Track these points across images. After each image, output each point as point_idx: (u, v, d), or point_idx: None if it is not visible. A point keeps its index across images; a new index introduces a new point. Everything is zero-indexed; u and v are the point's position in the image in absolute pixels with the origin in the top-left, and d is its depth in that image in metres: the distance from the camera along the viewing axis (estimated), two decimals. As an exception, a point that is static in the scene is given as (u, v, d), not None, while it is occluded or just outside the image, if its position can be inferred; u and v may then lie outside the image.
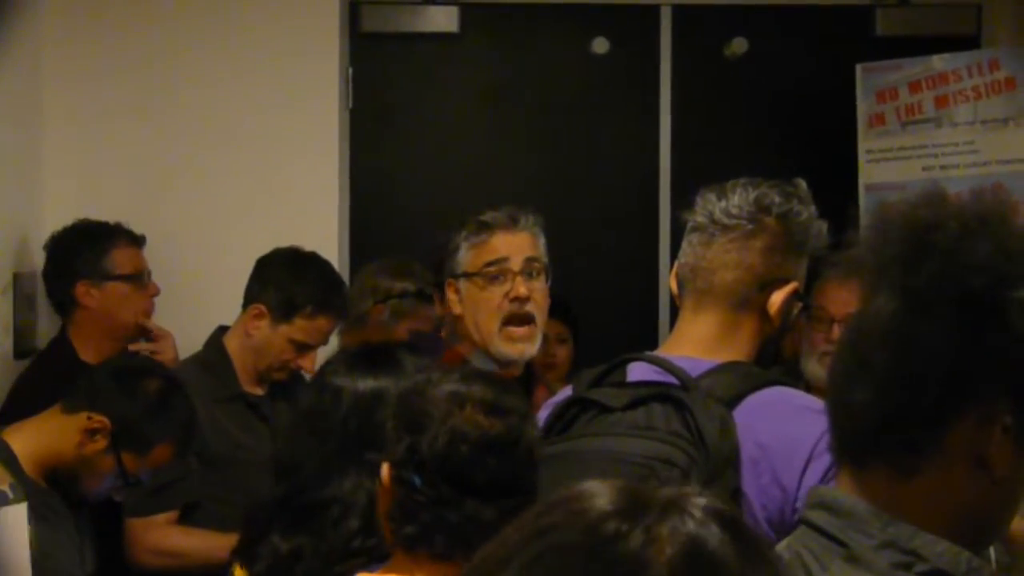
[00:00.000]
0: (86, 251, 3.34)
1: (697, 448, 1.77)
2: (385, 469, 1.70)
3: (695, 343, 1.98)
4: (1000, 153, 3.65)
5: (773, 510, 1.80)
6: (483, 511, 1.64)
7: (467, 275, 2.69)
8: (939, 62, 3.74)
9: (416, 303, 3.56)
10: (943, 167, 3.68)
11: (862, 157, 3.82)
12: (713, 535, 0.81)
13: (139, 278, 3.38)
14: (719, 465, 1.76)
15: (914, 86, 3.77)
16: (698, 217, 2.01)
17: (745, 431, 1.80)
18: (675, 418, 1.81)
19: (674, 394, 1.84)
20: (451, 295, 2.72)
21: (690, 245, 2.02)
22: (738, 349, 1.98)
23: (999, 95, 3.65)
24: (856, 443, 1.30)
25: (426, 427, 1.66)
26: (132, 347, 3.37)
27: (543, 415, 2.00)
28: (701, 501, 0.83)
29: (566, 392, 2.02)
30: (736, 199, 1.97)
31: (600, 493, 0.82)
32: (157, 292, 3.42)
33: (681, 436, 1.79)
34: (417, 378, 1.76)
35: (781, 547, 1.33)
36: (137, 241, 3.42)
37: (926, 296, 1.25)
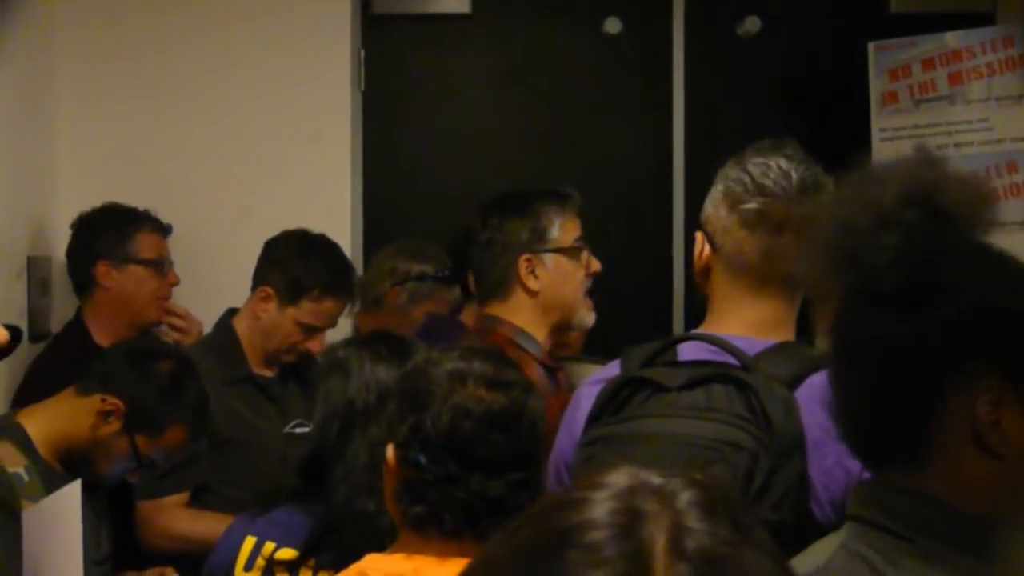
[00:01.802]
0: (111, 232, 3.37)
1: (763, 431, 1.73)
2: (390, 450, 1.69)
3: (750, 325, 1.95)
4: (1014, 130, 3.61)
5: (837, 492, 1.76)
6: (490, 486, 1.64)
7: (561, 249, 2.70)
8: (952, 39, 3.71)
9: (434, 286, 3.55)
10: (957, 145, 3.65)
11: (875, 136, 3.79)
12: None
13: (160, 264, 3.40)
14: (786, 448, 1.73)
15: (927, 63, 3.74)
16: (754, 203, 1.94)
17: (808, 413, 1.76)
18: (737, 399, 1.77)
19: (735, 374, 1.79)
20: (527, 272, 2.69)
21: (752, 231, 1.95)
22: (788, 330, 1.97)
23: (1013, 72, 3.62)
24: (862, 451, 1.32)
25: (429, 405, 1.66)
26: (167, 317, 3.40)
27: (588, 392, 1.98)
28: (695, 542, 0.74)
29: (612, 369, 1.98)
30: (792, 175, 1.94)
31: (599, 543, 0.74)
32: (176, 282, 3.43)
33: (745, 418, 1.75)
34: (417, 358, 1.76)
35: (829, 547, 1.31)
36: (162, 229, 3.44)
37: (874, 294, 1.27)
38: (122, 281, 3.36)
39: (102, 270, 3.36)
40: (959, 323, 1.24)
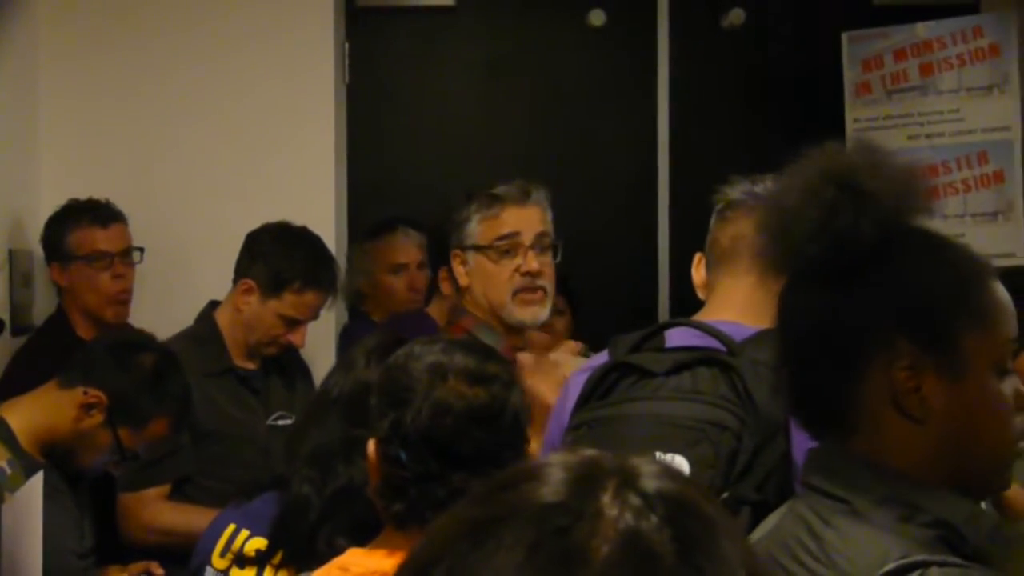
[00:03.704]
0: (53, 232, 3.37)
1: (747, 412, 1.76)
2: (371, 446, 1.66)
3: (737, 308, 1.99)
4: (985, 121, 3.62)
5: None
6: (471, 484, 1.59)
7: (477, 248, 2.72)
8: (923, 30, 3.72)
9: None
10: (928, 135, 3.67)
11: (849, 126, 3.80)
12: (651, 528, 0.72)
13: (99, 258, 3.33)
14: (770, 429, 1.75)
15: (899, 54, 3.75)
16: (733, 195, 2.06)
17: None
18: (722, 382, 1.80)
19: (720, 358, 1.83)
20: (458, 266, 2.74)
21: (725, 220, 2.06)
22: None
23: (983, 62, 3.63)
24: (803, 422, 1.40)
25: (409, 401, 1.62)
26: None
27: (576, 381, 1.99)
28: (651, 484, 0.75)
29: (601, 358, 2.00)
30: (769, 182, 2.00)
31: (553, 474, 0.76)
32: (122, 274, 3.36)
33: (730, 400, 1.78)
34: (399, 352, 1.72)
35: (780, 512, 1.41)
36: (104, 219, 3.36)
37: (801, 271, 1.36)
38: (71, 280, 3.34)
39: (55, 272, 3.37)
40: (875, 296, 1.32)
